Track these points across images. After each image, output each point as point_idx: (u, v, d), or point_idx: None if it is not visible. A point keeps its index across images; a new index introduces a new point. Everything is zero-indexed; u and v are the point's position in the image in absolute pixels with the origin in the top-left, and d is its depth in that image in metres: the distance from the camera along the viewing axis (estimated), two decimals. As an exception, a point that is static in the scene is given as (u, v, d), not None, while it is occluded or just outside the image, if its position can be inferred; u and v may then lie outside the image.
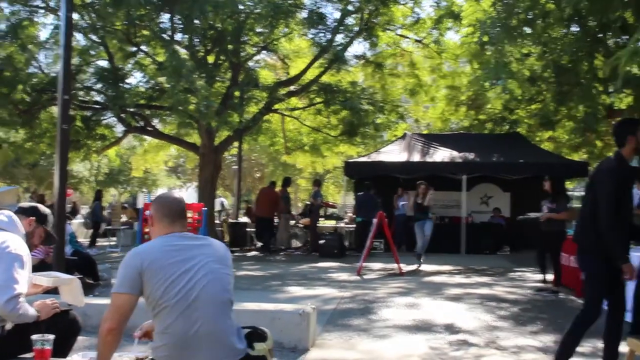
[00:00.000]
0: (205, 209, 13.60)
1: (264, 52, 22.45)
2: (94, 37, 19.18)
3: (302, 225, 19.31)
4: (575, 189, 36.52)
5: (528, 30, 13.99)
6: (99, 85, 19.79)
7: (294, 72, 22.91)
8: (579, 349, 5.96)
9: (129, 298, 3.45)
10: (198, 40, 19.32)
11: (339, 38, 20.48)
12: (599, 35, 13.53)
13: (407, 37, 23.22)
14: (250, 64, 21.99)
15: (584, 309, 5.39)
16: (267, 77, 22.45)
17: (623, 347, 6.34)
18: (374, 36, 21.04)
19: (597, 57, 13.64)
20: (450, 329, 7.70)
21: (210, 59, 19.96)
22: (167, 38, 18.33)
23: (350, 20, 20.77)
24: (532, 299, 10.08)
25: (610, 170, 5.19)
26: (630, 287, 7.81)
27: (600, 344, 6.83)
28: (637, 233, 5.53)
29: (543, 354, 6.37)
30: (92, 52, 20.38)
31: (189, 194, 48.46)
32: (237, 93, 18.86)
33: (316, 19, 19.12)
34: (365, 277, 12.75)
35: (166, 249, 3.50)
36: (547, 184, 12.96)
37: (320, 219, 19.77)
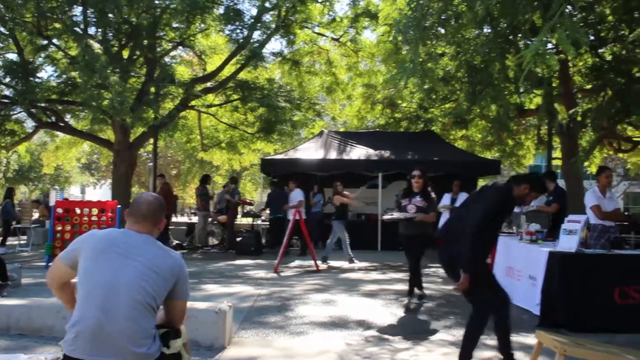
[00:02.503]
0: (120, 206, 13.35)
1: (180, 47, 22.24)
2: (2, 29, 18.56)
3: (218, 223, 19.18)
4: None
5: (442, 30, 14.28)
6: (7, 79, 19.14)
7: (210, 68, 22.76)
8: (489, 341, 6.14)
9: (64, 268, 3.67)
10: (112, 34, 18.94)
11: (256, 35, 20.49)
12: (510, 37, 13.90)
13: (324, 35, 23.39)
14: (166, 59, 21.76)
15: (493, 301, 5.62)
16: (183, 73, 22.24)
17: (531, 339, 6.56)
18: (291, 34, 21.11)
19: (508, 58, 14.00)
20: (366, 324, 7.80)
21: (125, 53, 19.62)
22: (80, 32, 17.90)
23: (267, 17, 20.78)
24: (446, 294, 10.28)
25: (502, 192, 5.63)
26: (538, 282, 8.11)
27: (515, 337, 7.06)
28: None
29: (456, 348, 6.50)
30: (0, 45, 19.74)
31: (103, 191, 47.54)
32: (152, 89, 18.58)
33: (233, 15, 19.02)
34: (282, 274, 12.76)
35: (108, 240, 3.60)
36: (456, 185, 13.35)
37: (237, 216, 19.68)
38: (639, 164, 25.38)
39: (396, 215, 9.17)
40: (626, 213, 26.98)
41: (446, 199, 12.92)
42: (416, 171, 9.06)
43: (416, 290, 9.48)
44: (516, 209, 12.16)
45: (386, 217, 9.47)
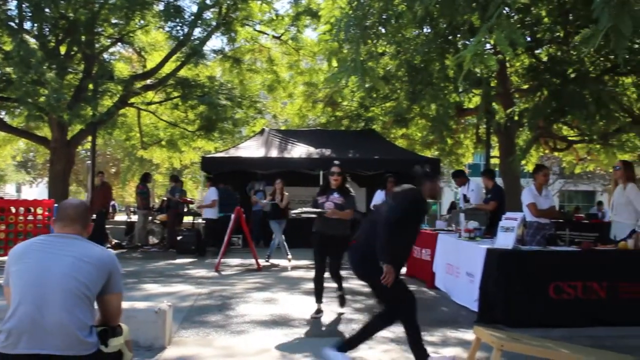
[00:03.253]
0: (57, 205, 13.08)
1: (119, 44, 21.91)
2: None
3: (159, 222, 18.96)
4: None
5: (383, 30, 14.36)
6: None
7: (150, 65, 22.50)
8: (429, 337, 6.21)
9: (9, 290, 3.63)
10: (48, 29, 18.52)
11: (197, 32, 20.31)
12: (449, 37, 14.07)
13: (266, 33, 23.35)
14: (105, 56, 21.40)
15: (400, 303, 5.71)
16: (122, 69, 21.93)
17: (470, 335, 6.66)
18: (232, 31, 21.01)
19: (448, 58, 14.16)
20: (307, 322, 7.81)
21: (62, 49, 19.23)
22: (15, 26, 17.47)
23: (208, 15, 20.61)
24: (386, 291, 10.35)
25: (414, 196, 5.76)
26: (476, 279, 8.24)
27: (449, 333, 7.16)
28: None
29: (395, 345, 6.57)
30: None
31: (39, 190, 46.52)
32: (90, 85, 18.26)
33: (173, 12, 18.83)
34: (223, 273, 12.69)
35: (31, 244, 3.65)
36: (390, 184, 13.44)
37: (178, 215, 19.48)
38: (573, 162, 25.94)
39: (306, 210, 8.53)
40: (562, 210, 27.56)
41: (380, 196, 12.94)
42: (335, 167, 8.34)
43: (317, 305, 8.30)
44: (461, 204, 12.32)
45: (295, 212, 8.72)
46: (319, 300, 8.28)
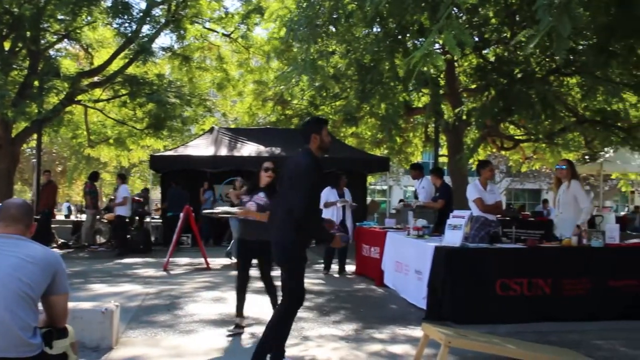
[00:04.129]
0: (1, 204, 12.81)
1: (65, 40, 21.54)
2: None
3: (106, 221, 18.71)
4: (376, 183, 38.07)
5: (333, 29, 14.40)
6: None
7: (98, 62, 22.18)
8: (378, 335, 6.24)
9: None
10: (-8, 25, 18.16)
11: (146, 29, 20.11)
12: (399, 37, 14.17)
13: (215, 31, 23.23)
14: (51, 52, 21.03)
15: (294, 296, 5.59)
16: (69, 66, 21.56)
17: (418, 332, 6.72)
18: (181, 28, 20.86)
19: (397, 58, 14.25)
20: (257, 321, 7.79)
21: (6, 45, 18.84)
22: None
23: (157, 11, 20.42)
24: (336, 289, 10.39)
25: (309, 166, 5.46)
26: (425, 277, 8.31)
27: (398, 330, 7.21)
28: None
29: (345, 342, 6.60)
30: None
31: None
32: (36, 82, 17.94)
33: (121, 8, 18.61)
34: (171, 272, 12.59)
35: None
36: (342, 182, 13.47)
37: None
38: (520, 161, 26.37)
39: (220, 210, 7.87)
40: (509, 208, 27.95)
41: (332, 195, 12.94)
42: (269, 163, 7.42)
43: (236, 320, 7.39)
44: (414, 200, 12.40)
45: (207, 211, 8.09)
46: (239, 313, 7.32)
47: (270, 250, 6.15)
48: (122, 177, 18.87)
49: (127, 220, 16.41)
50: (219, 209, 7.92)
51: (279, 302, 6.07)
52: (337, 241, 5.73)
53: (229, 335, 6.98)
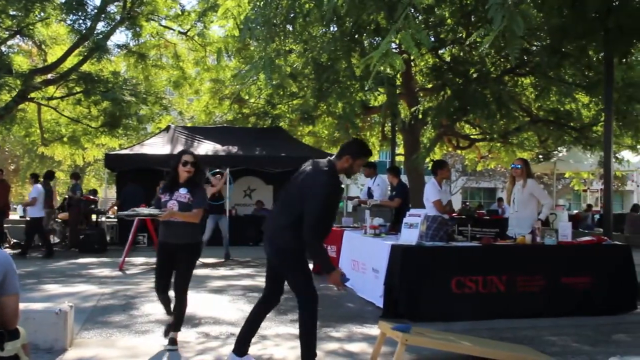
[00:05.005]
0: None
1: (18, 36, 21.13)
2: None
3: (60, 220, 18.44)
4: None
5: (290, 28, 14.38)
6: None
7: (51, 59, 21.81)
8: (335, 333, 6.26)
9: None
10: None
11: (100, 26, 19.82)
12: (356, 36, 14.21)
13: (172, 29, 23.00)
14: (3, 48, 20.62)
15: (303, 300, 5.53)
16: (21, 63, 21.15)
17: (375, 330, 6.75)
18: (137, 26, 20.61)
19: (354, 57, 14.29)
20: (214, 321, 7.77)
21: (-45, 41, 18.47)
22: None
23: (112, 8, 20.17)
24: (293, 288, 10.39)
25: (326, 185, 5.33)
26: (381, 275, 8.36)
27: (355, 328, 7.24)
28: None
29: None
30: None
31: None
32: (-14, 80, 17.60)
33: (75, 5, 18.31)
34: (127, 272, 12.47)
35: None
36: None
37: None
38: (475, 160, 26.64)
39: (138, 211, 6.65)
40: (465, 206, 28.26)
41: None
42: (188, 156, 6.49)
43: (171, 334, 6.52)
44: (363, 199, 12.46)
45: (123, 213, 6.87)
46: (168, 313, 6.66)
47: (189, 254, 6.42)
48: (76, 176, 18.64)
49: (38, 220, 16.07)
50: (139, 210, 6.60)
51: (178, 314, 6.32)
52: (335, 278, 5.35)
53: (168, 351, 6.30)
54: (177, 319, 6.42)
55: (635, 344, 6.77)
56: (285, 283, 5.67)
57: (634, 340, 6.97)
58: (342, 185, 5.98)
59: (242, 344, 5.73)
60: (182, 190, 6.37)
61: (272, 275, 5.73)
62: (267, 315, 8.06)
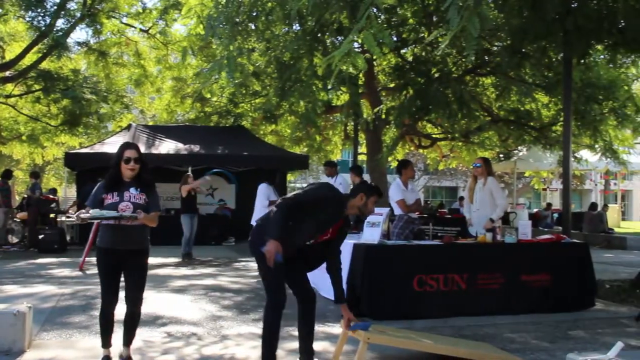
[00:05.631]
0: None
1: (-25, 33, 20.84)
2: None
3: (19, 220, 18.17)
4: (296, 181, 38.19)
5: (252, 26, 14.34)
6: None
7: (9, 56, 21.55)
8: (296, 333, 6.24)
9: None
10: None
11: (60, 23, 19.59)
12: (318, 35, 14.23)
13: (133, 26, 22.83)
14: (-40, 45, 20.33)
15: (269, 297, 5.52)
16: (-21, 60, 20.87)
17: (337, 329, 6.77)
18: (97, 23, 20.40)
19: (317, 56, 14.31)
20: (175, 320, 7.72)
21: None
22: None
23: (72, 5, 19.93)
24: (255, 287, 10.37)
25: (323, 187, 5.66)
26: (344, 274, 8.37)
27: (317, 327, 7.24)
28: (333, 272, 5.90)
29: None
30: None
31: None
32: (-56, 77, 17.29)
33: (34, 1, 18.07)
34: (88, 272, 12.32)
35: None
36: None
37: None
38: (437, 159, 26.85)
39: (101, 214, 5.44)
40: (427, 204, 28.48)
41: (265, 190, 12.87)
42: (130, 152, 5.63)
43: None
44: None
45: (84, 216, 5.48)
46: (106, 344, 5.76)
47: (142, 261, 5.73)
48: (36, 175, 18.38)
49: None
50: (100, 213, 5.42)
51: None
52: (271, 247, 5.09)
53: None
54: (132, 334, 5.79)
55: (593, 340, 6.88)
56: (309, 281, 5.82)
57: (592, 336, 7.08)
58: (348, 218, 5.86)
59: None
60: (133, 190, 5.58)
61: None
62: (228, 315, 8.11)
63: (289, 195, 5.51)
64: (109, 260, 5.61)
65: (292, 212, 5.30)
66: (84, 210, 5.56)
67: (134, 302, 5.75)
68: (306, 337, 5.67)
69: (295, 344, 5.80)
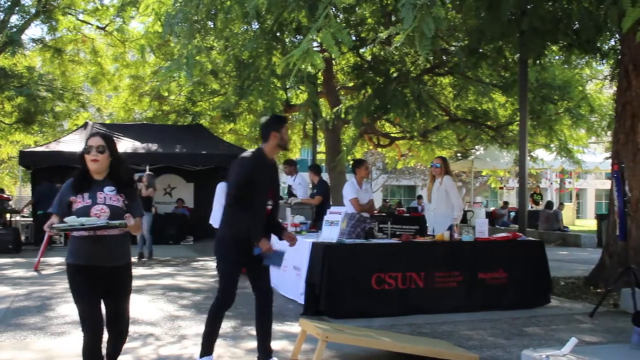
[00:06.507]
0: None
1: None
2: None
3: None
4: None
5: (211, 24, 14.27)
6: None
7: (-38, 53, 21.11)
8: (254, 332, 6.22)
9: None
10: None
11: (15, 19, 19.29)
12: (277, 34, 14.22)
13: (90, 23, 22.54)
14: None
15: (218, 294, 5.65)
16: None
17: (296, 328, 6.77)
18: (53, 20, 20.13)
19: (276, 55, 14.30)
20: (132, 321, 7.60)
21: None
22: None
23: (27, 1, 19.65)
24: (214, 287, 10.30)
25: (244, 159, 5.55)
26: (303, 272, 8.39)
27: (276, 326, 7.23)
28: (277, 227, 5.90)
29: (222, 340, 6.55)
30: None
31: None
32: None
33: (-13, -3, 17.79)
34: (43, 272, 12.14)
35: None
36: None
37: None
38: (396, 158, 26.99)
39: (80, 222, 4.23)
40: (388, 203, 28.58)
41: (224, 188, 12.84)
42: (94, 138, 4.53)
43: None
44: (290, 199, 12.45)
45: (57, 225, 4.27)
46: None
47: (126, 277, 4.65)
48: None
49: None
50: (75, 222, 4.23)
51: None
52: (265, 243, 5.33)
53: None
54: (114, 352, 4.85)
55: (548, 336, 6.98)
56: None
57: (547, 333, 7.18)
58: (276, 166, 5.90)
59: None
60: (109, 190, 4.48)
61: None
62: (186, 315, 8.06)
63: (226, 195, 5.58)
64: (88, 280, 4.41)
65: (240, 204, 5.40)
66: (55, 220, 4.37)
67: (124, 326, 4.79)
68: (264, 335, 5.67)
69: (254, 343, 5.79)
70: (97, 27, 22.62)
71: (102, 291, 4.49)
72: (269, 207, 5.61)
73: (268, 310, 5.69)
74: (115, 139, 14.36)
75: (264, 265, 5.55)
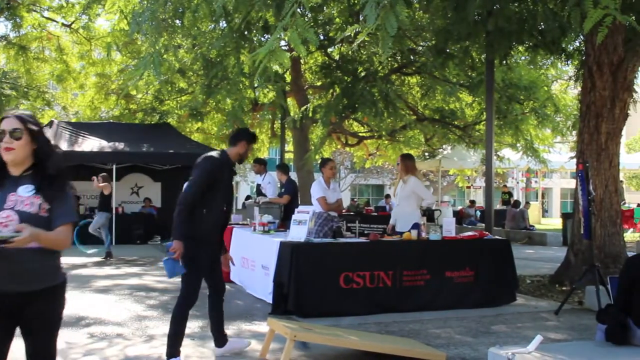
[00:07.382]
0: None
1: None
2: None
3: None
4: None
5: (178, 23, 14.19)
6: None
7: None
8: (226, 330, 6.21)
9: None
10: None
11: (-22, 16, 18.99)
12: (245, 33, 14.18)
13: (55, 21, 22.27)
14: None
15: (184, 293, 5.78)
16: None
17: (264, 327, 6.76)
18: (17, 16, 19.86)
19: (243, 53, 14.26)
20: (99, 321, 7.57)
21: None
22: None
23: (-10, -2, 19.34)
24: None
25: (205, 160, 5.72)
26: (271, 272, 8.38)
27: (244, 326, 7.24)
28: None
29: (190, 340, 6.52)
30: None
31: None
32: None
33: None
34: None
35: None
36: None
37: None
38: (364, 157, 27.08)
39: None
40: (356, 202, 28.65)
41: None
42: (7, 120, 3.30)
43: None
44: (251, 200, 12.44)
45: None
46: None
47: (50, 305, 3.39)
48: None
49: None
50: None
51: None
52: (178, 245, 5.59)
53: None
54: None
55: (514, 334, 7.05)
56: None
57: (513, 330, 7.26)
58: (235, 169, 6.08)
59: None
60: (24, 191, 3.27)
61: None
62: (154, 315, 8.01)
63: (185, 192, 5.65)
64: None
65: (195, 204, 5.55)
66: None
67: None
68: (218, 321, 6.05)
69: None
70: (63, 24, 22.35)
71: (9, 326, 3.35)
72: (226, 207, 5.85)
73: (220, 302, 6.10)
74: (81, 138, 14.05)
75: (219, 261, 5.90)
